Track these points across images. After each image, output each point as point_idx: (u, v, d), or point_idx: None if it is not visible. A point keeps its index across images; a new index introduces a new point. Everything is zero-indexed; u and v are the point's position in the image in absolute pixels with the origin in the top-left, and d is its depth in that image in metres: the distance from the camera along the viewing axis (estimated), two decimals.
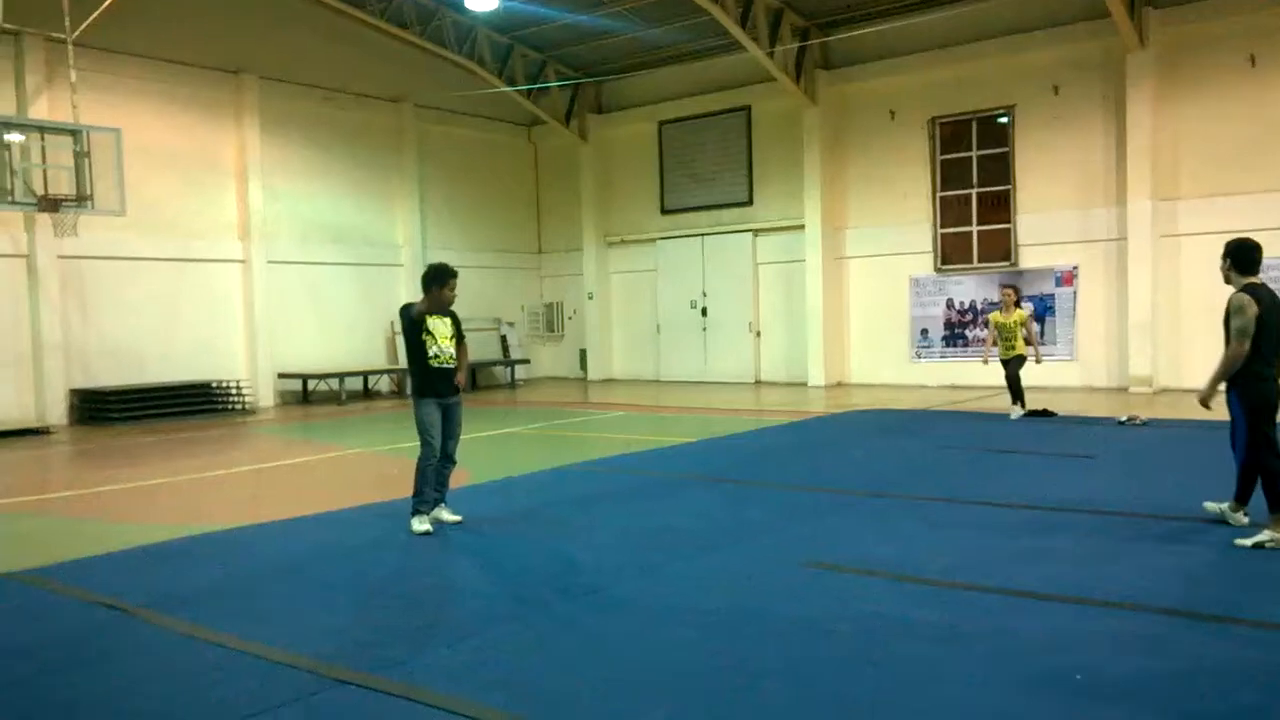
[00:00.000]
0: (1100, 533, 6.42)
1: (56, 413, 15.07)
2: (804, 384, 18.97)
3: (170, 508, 8.66)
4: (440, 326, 7.00)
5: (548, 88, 21.51)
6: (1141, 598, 4.96)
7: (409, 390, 7.14)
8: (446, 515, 7.11)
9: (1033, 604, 4.95)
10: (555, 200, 23.44)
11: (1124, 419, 11.97)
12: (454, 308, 7.14)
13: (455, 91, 20.59)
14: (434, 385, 6.97)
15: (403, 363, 19.43)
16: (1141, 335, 15.70)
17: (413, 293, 20.73)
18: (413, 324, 6.91)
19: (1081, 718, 3.63)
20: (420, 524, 6.87)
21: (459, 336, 7.15)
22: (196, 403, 16.23)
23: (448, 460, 7.13)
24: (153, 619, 5.03)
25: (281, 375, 18.10)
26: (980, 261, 17.61)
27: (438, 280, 6.95)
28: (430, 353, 6.93)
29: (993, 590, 5.16)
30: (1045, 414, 12.89)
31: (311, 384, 18.42)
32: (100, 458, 12.12)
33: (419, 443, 7.03)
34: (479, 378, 21.37)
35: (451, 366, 7.04)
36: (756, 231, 20.16)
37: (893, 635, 4.50)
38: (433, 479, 6.99)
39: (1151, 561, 5.73)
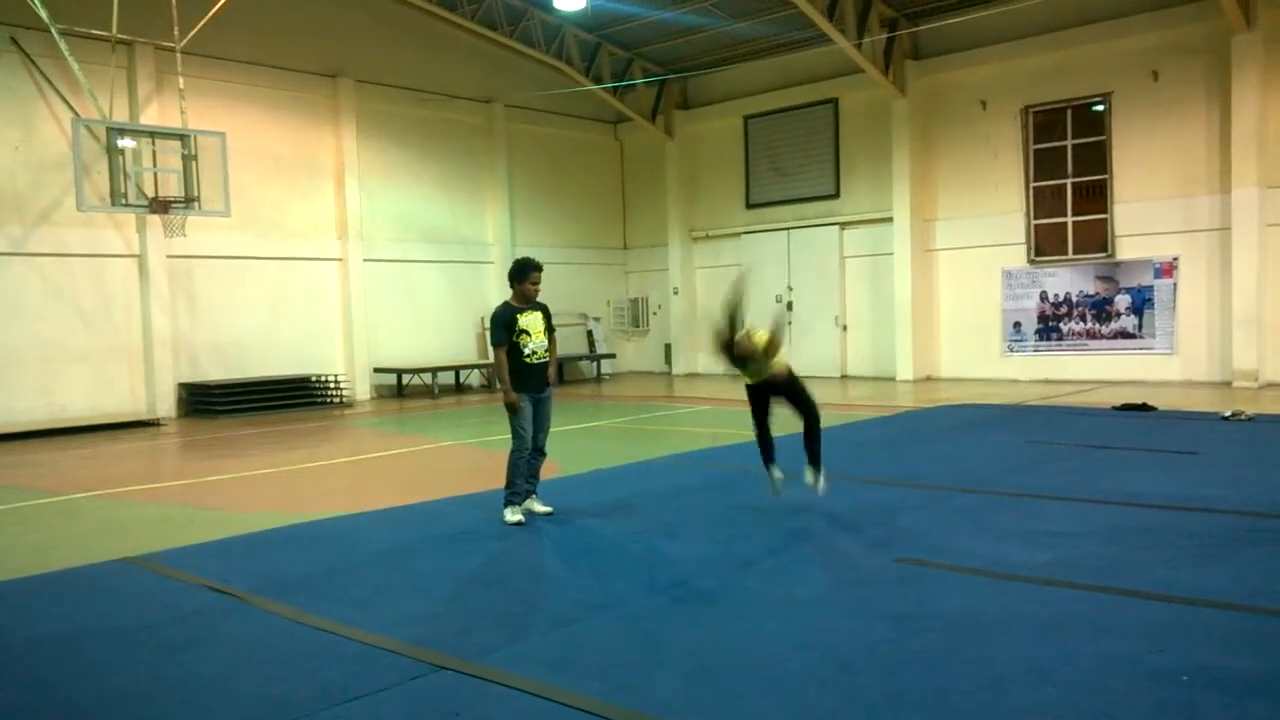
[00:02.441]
0: (1205, 531, 6.23)
1: (166, 405, 15.73)
2: (892, 378, 18.74)
3: (273, 497, 8.99)
4: (533, 322, 7.16)
5: (634, 85, 21.61)
6: (1250, 598, 4.82)
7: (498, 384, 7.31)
8: (538, 506, 7.25)
9: (1135, 602, 4.85)
10: (641, 196, 23.55)
11: (1228, 414, 11.57)
12: (546, 300, 7.31)
13: (543, 91, 20.83)
14: (526, 380, 7.11)
15: (492, 358, 19.78)
16: (1246, 327, 15.12)
17: (502, 289, 21.16)
18: (507, 329, 7.08)
19: None
20: (513, 515, 7.03)
21: (549, 329, 7.29)
22: (297, 396, 16.77)
23: (538, 453, 7.28)
24: (259, 603, 5.25)
25: (377, 370, 18.59)
26: (1075, 253, 17.15)
27: (519, 275, 7.19)
28: (526, 350, 7.09)
29: (1093, 588, 5.06)
30: (1144, 408, 12.52)
31: (405, 378, 18.87)
32: (206, 449, 12.62)
33: (510, 435, 7.19)
34: (565, 372, 21.60)
35: (544, 361, 7.20)
36: (843, 225, 19.96)
37: (989, 633, 4.46)
38: (524, 471, 7.14)
39: (1260, 561, 5.54)
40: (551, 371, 7.29)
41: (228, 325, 16.66)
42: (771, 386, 7.11)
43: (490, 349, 7.59)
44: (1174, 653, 4.13)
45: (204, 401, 15.88)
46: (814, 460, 7.10)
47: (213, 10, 14.42)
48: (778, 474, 7.18)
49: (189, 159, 14.24)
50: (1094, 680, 3.90)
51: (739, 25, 19.24)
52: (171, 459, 12.32)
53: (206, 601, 5.36)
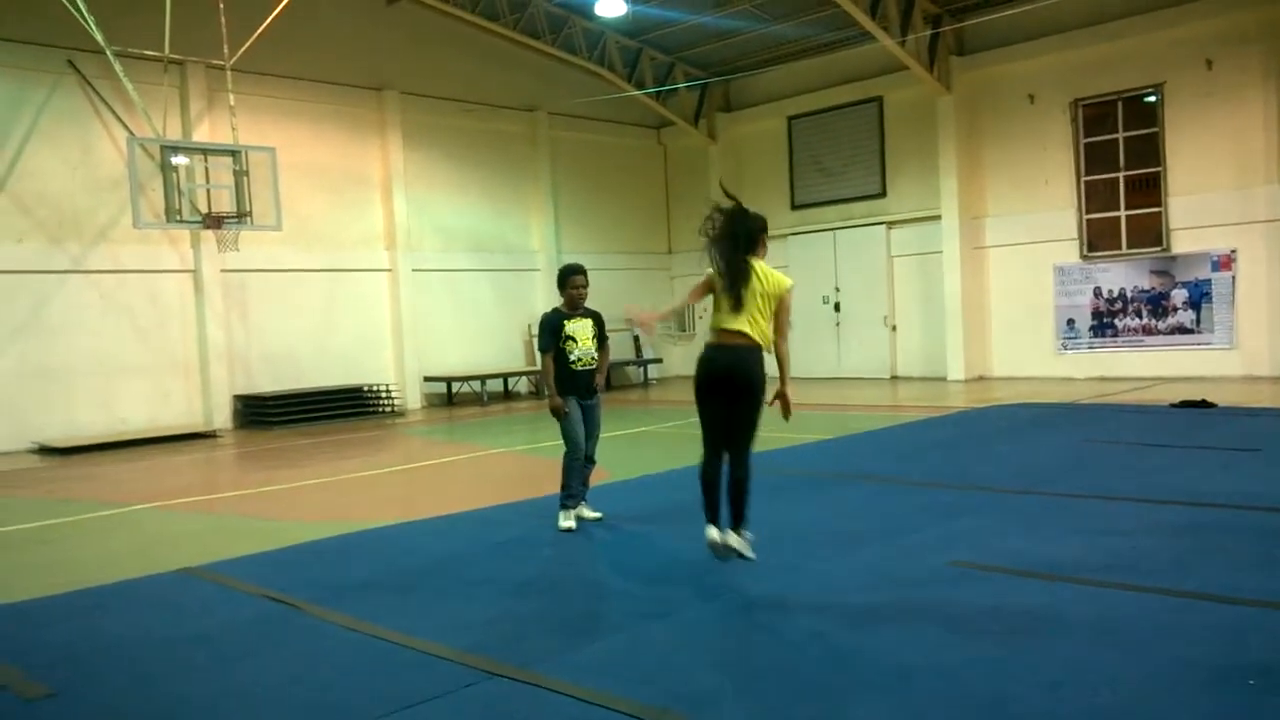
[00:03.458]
0: (1269, 530, 6.08)
1: (221, 417, 16.02)
2: (943, 378, 18.53)
3: (328, 506, 9.11)
4: (581, 329, 7.22)
5: (676, 89, 21.62)
6: None
7: (546, 391, 7.36)
8: (588, 512, 7.28)
9: (1196, 604, 4.74)
10: (684, 200, 23.52)
11: None
12: (593, 307, 7.35)
13: (586, 98, 20.92)
14: (573, 386, 7.17)
15: (539, 364, 19.88)
16: None
17: (548, 296, 21.26)
18: (553, 334, 7.15)
19: None
20: (566, 519, 7.07)
21: (601, 337, 7.33)
22: (349, 406, 16.98)
23: (588, 461, 7.31)
24: (315, 612, 5.32)
25: (427, 378, 18.78)
26: (1129, 247, 16.84)
27: (561, 281, 7.30)
28: (572, 357, 7.15)
29: (1154, 590, 4.95)
30: (1203, 405, 12.25)
31: (455, 386, 19.04)
32: (262, 459, 12.82)
33: (563, 441, 7.22)
34: (613, 377, 21.63)
35: (592, 368, 7.26)
36: (890, 224, 19.79)
37: (1047, 636, 4.38)
38: (579, 474, 7.18)
39: None
40: (600, 379, 7.33)
41: (280, 337, 16.93)
42: (735, 384, 5.37)
43: (538, 355, 7.52)
44: (1238, 656, 4.02)
45: (258, 413, 16.14)
46: (739, 519, 5.45)
47: (261, 28, 14.68)
48: (718, 536, 5.33)
49: (240, 174, 14.49)
50: (1153, 685, 3.81)
51: (780, 26, 19.17)
52: (228, 470, 12.53)
53: (264, 610, 5.44)
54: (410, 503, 9.00)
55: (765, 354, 5.35)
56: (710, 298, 5.54)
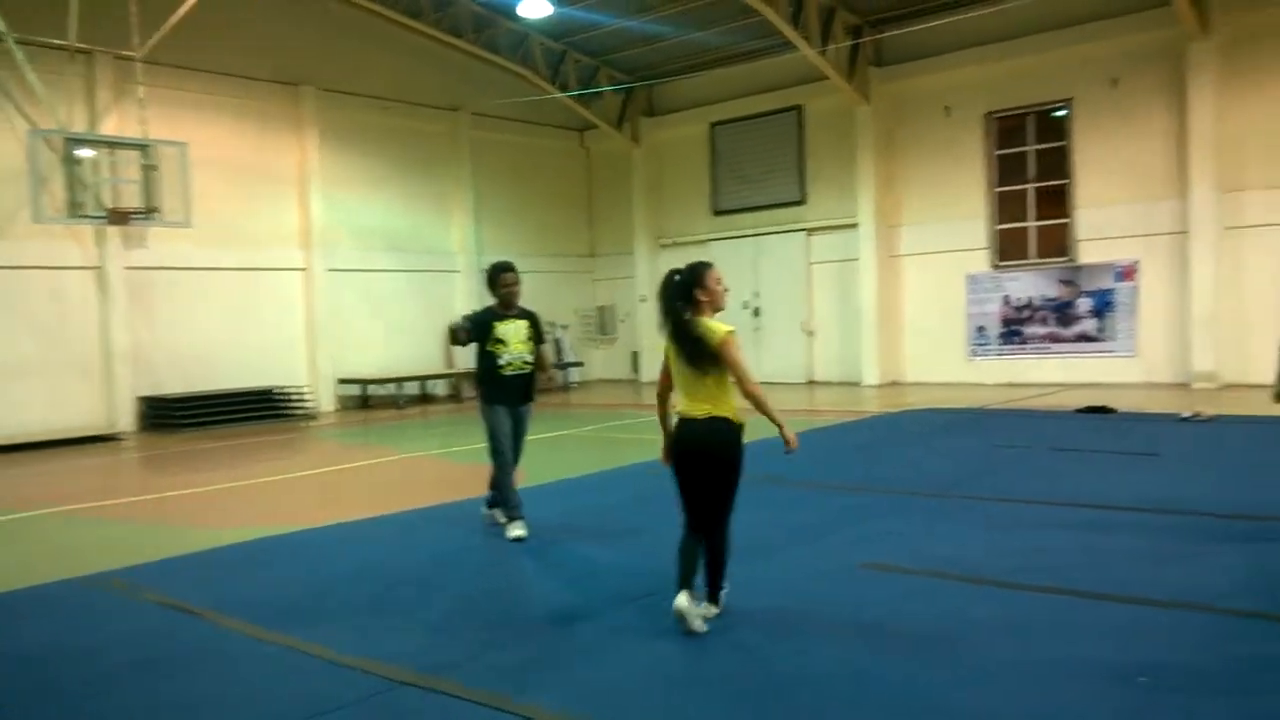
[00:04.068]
0: (1166, 532, 6.31)
1: (125, 420, 15.50)
2: (858, 384, 18.84)
3: (236, 512, 8.88)
4: (513, 331, 6.84)
5: (600, 92, 21.63)
6: (1209, 598, 4.89)
7: (478, 395, 7.02)
8: (501, 517, 7.11)
9: (1096, 604, 4.90)
10: (608, 204, 23.55)
11: (1187, 415, 11.73)
12: (531, 310, 7.08)
13: (509, 99, 20.79)
14: (503, 392, 6.82)
15: (458, 367, 19.70)
16: (1205, 330, 15.36)
17: (468, 297, 21.05)
18: (480, 333, 6.79)
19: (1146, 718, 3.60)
20: (516, 529, 6.76)
21: (537, 339, 6.97)
22: (260, 409, 16.57)
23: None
24: (220, 621, 5.17)
25: (342, 381, 18.44)
26: (1037, 257, 17.35)
27: (490, 280, 6.97)
28: (501, 360, 6.78)
29: (1057, 591, 5.11)
30: (1105, 411, 12.67)
31: (371, 389, 18.73)
32: (168, 463, 12.46)
33: (491, 452, 6.88)
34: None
35: (525, 373, 6.87)
36: (809, 230, 20.07)
37: (955, 637, 4.49)
38: (513, 485, 6.90)
39: (1217, 560, 5.62)
40: (551, 374, 7.14)
41: (189, 337, 16.45)
42: (708, 457, 4.79)
43: (458, 354, 7.36)
44: (1133, 654, 4.17)
45: (165, 415, 15.66)
46: (715, 592, 4.93)
47: (172, 19, 14.26)
48: (686, 602, 4.62)
49: (149, 169, 14.05)
50: (1056, 683, 3.93)
51: (705, 33, 19.30)
52: (131, 474, 12.15)
53: (167, 620, 5.28)
54: (322, 509, 8.82)
55: (729, 419, 4.77)
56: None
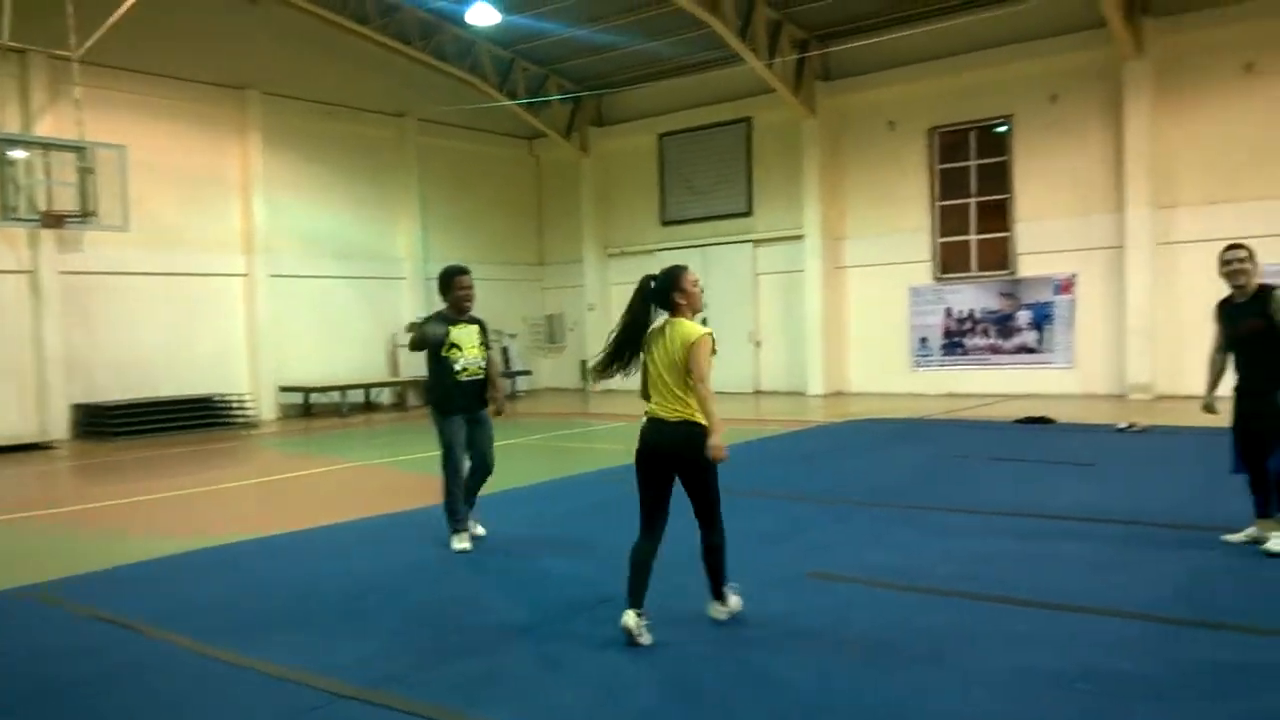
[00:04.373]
0: (1104, 541, 6.43)
1: (59, 428, 15.11)
2: (803, 393, 19.01)
3: (172, 522, 8.68)
4: (467, 337, 6.71)
5: (549, 101, 21.60)
6: (1144, 605, 4.99)
7: (430, 405, 6.80)
8: (476, 529, 6.92)
9: (1037, 612, 4.97)
10: (556, 212, 23.52)
11: (1123, 426, 12.00)
12: (479, 316, 6.92)
13: (457, 105, 20.68)
14: (459, 400, 6.64)
15: (404, 375, 19.52)
16: (1140, 342, 15.74)
17: (414, 304, 20.85)
18: (438, 340, 6.59)
19: None
20: (459, 541, 6.66)
21: (486, 345, 6.85)
22: (199, 417, 16.25)
23: (488, 471, 6.89)
24: (155, 634, 5.05)
25: (284, 388, 18.15)
26: (979, 270, 17.66)
27: (444, 284, 6.77)
28: (457, 366, 6.62)
29: (997, 599, 5.19)
30: (1044, 421, 12.91)
31: (313, 397, 18.46)
32: (102, 472, 12.15)
33: (444, 462, 6.72)
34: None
35: (480, 379, 6.75)
36: (756, 242, 20.23)
37: (895, 645, 4.53)
38: (461, 497, 6.74)
39: (1154, 568, 5.75)
40: (499, 391, 6.89)
41: (127, 344, 16.08)
42: (678, 460, 4.78)
43: (406, 362, 7.02)
44: (1073, 661, 4.24)
45: (100, 423, 15.28)
46: (719, 589, 4.99)
47: (111, 19, 13.97)
48: (634, 622, 4.63)
49: (86, 172, 13.74)
50: (998, 690, 3.98)
51: (654, 44, 19.38)
52: (63, 483, 11.83)
53: (99, 634, 5.13)
54: (263, 518, 8.66)
55: (700, 421, 4.70)
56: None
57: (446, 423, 6.67)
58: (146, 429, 15.31)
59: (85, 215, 13.78)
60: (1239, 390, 6.17)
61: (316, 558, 6.79)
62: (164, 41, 16.44)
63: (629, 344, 4.85)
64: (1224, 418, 6.37)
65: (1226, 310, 6.28)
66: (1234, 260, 6.15)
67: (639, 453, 4.84)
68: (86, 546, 7.61)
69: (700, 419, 4.71)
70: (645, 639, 4.63)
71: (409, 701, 4.02)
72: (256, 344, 17.76)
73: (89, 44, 14.02)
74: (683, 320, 4.81)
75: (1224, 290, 6.33)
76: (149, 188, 15.79)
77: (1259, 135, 14.91)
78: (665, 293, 4.85)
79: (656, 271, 4.94)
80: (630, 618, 4.62)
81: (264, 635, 5.01)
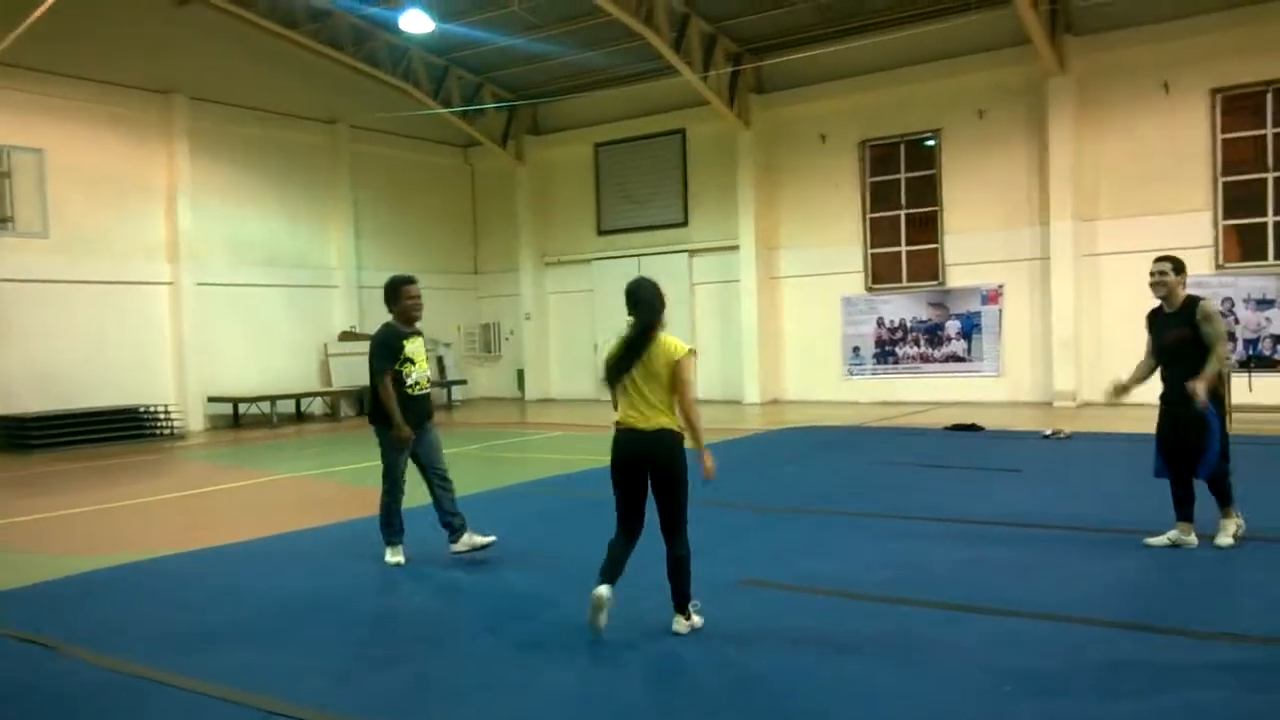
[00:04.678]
0: (1029, 545, 6.58)
1: None
2: (739, 402, 19.13)
3: (95, 537, 8.42)
4: (418, 349, 6.57)
5: (484, 110, 21.50)
6: (1073, 608, 5.10)
7: (375, 419, 6.55)
8: (479, 538, 6.60)
9: (967, 616, 5.06)
10: (492, 221, 23.40)
11: (1049, 433, 12.28)
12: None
13: (390, 113, 20.47)
14: (412, 414, 6.45)
15: (337, 385, 19.22)
16: (1065, 351, 16.15)
17: (346, 313, 20.53)
18: (391, 355, 6.39)
19: None
20: (393, 555, 6.53)
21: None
22: (123, 428, 15.82)
23: (444, 479, 6.64)
24: (76, 653, 4.89)
25: (211, 399, 17.74)
26: (909, 281, 17.97)
27: (393, 294, 6.53)
28: (410, 380, 6.46)
29: (928, 604, 5.26)
30: (973, 428, 13.17)
31: (243, 408, 18.08)
32: (20, 486, 11.75)
33: (383, 479, 6.58)
34: None
35: (427, 392, 6.64)
36: (692, 252, 20.34)
37: (830, 651, 4.58)
38: (399, 512, 6.60)
39: (1079, 572, 5.89)
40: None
41: (46, 353, 15.59)
42: (655, 468, 4.87)
43: (371, 377, 6.48)
44: (1002, 663, 4.32)
45: (18, 435, 14.80)
46: (684, 603, 4.93)
47: (29, 19, 13.55)
48: (606, 593, 4.78)
49: (2, 176, 13.31)
50: (926, 693, 4.04)
51: (590, 54, 19.41)
52: None
53: (18, 654, 4.96)
54: (188, 532, 8.44)
55: (675, 430, 4.83)
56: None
57: (382, 432, 6.51)
58: (69, 441, 14.86)
59: (2, 221, 13.35)
60: (1167, 400, 6.29)
61: (247, 572, 6.64)
62: (86, 43, 16.02)
63: (636, 354, 4.86)
64: (1136, 421, 6.55)
65: (1157, 320, 6.44)
66: (1155, 273, 6.33)
67: (618, 462, 4.92)
68: (2, 563, 7.35)
69: (675, 429, 4.83)
70: (602, 619, 4.70)
71: (346, 717, 3.95)
72: (183, 353, 17.33)
73: (4, 44, 13.57)
74: (665, 335, 4.91)
75: (1153, 301, 6.49)
76: (70, 193, 15.37)
77: (1175, 151, 15.41)
78: (656, 306, 4.94)
79: (636, 279, 5.07)
80: (604, 589, 4.72)
81: (185, 652, 4.88)
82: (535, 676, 4.42)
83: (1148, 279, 6.40)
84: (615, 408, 4.97)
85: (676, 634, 4.80)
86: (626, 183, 21.29)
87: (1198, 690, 3.97)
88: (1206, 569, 5.88)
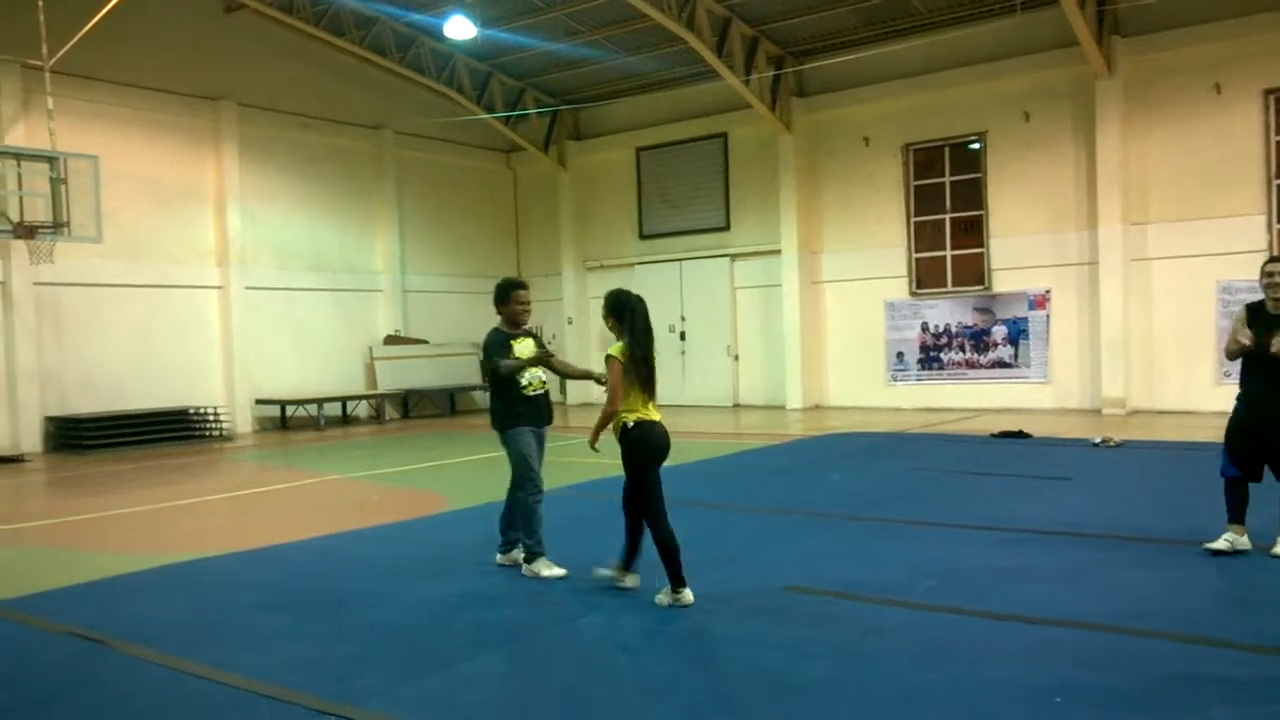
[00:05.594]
0: (1080, 554, 6.48)
1: (31, 440, 14.92)
2: (782, 407, 19.05)
3: (146, 536, 8.58)
4: (527, 349, 6.52)
5: (526, 115, 21.63)
6: (1121, 619, 5.02)
7: (496, 423, 6.46)
8: (518, 554, 6.51)
9: (1015, 626, 4.99)
10: (534, 226, 23.51)
11: (1098, 440, 12.10)
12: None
13: (434, 119, 20.67)
14: (532, 414, 6.45)
15: (382, 388, 19.43)
16: (1114, 357, 15.89)
17: (392, 318, 20.73)
18: (505, 350, 6.38)
19: None
20: (550, 568, 6.27)
21: (544, 355, 6.63)
22: (173, 429, 16.11)
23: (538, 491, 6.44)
24: (128, 650, 4.99)
25: (259, 401, 18.01)
26: (954, 285, 17.79)
27: (503, 297, 6.54)
28: (523, 381, 6.45)
29: (975, 613, 5.20)
30: (1020, 435, 13.01)
31: (289, 410, 18.33)
32: (75, 486, 12.00)
33: (518, 479, 6.42)
34: (457, 402, 21.34)
35: (543, 393, 6.59)
36: (733, 256, 20.29)
37: (875, 659, 4.54)
38: (539, 514, 6.37)
39: (1129, 581, 5.79)
40: (588, 374, 6.67)
41: (100, 356, 15.92)
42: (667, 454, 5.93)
43: (488, 377, 6.51)
44: (1049, 675, 4.25)
45: (73, 436, 15.12)
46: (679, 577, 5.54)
47: (85, 29, 13.88)
48: (618, 574, 5.85)
49: (58, 182, 13.61)
50: (974, 704, 3.99)
51: (631, 59, 19.46)
52: (36, 497, 11.67)
53: (72, 650, 5.06)
54: (237, 533, 8.57)
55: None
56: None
57: (517, 435, 6.42)
58: (120, 442, 15.16)
59: (58, 226, 13.64)
60: (1255, 399, 6.20)
61: (297, 571, 6.73)
62: (138, 51, 16.35)
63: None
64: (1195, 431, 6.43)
65: (1259, 316, 6.22)
66: (1275, 273, 6.11)
67: (661, 451, 5.76)
68: (55, 561, 7.51)
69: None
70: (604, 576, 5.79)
71: (384, 716, 3.99)
72: (231, 356, 17.62)
73: (61, 53, 13.90)
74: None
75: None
76: (123, 199, 15.68)
77: (1227, 154, 15.12)
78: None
79: (626, 292, 5.81)
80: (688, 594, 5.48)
81: (235, 650, 4.96)
82: (575, 678, 4.43)
83: (1260, 279, 6.19)
84: (626, 407, 5.66)
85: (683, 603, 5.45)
86: (668, 187, 21.30)
87: (1254, 705, 3.90)
88: (1264, 580, 5.76)
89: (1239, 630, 4.82)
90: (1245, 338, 6.08)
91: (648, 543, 5.67)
